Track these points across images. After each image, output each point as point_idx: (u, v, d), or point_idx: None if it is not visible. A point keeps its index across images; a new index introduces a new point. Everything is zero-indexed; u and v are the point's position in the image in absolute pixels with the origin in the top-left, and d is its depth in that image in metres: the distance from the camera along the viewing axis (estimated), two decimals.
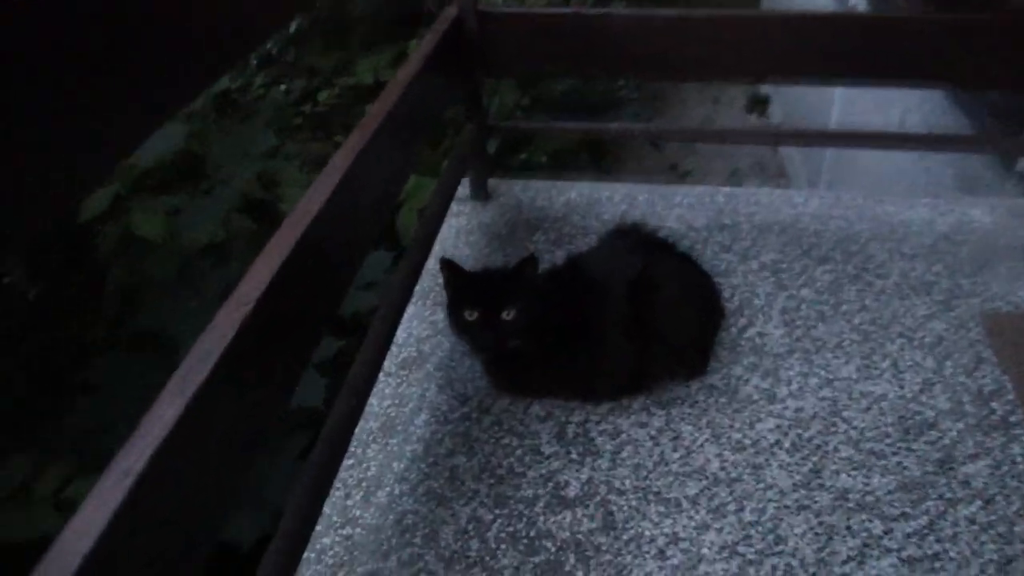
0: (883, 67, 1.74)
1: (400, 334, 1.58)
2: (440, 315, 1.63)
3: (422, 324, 1.61)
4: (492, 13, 1.80)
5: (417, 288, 1.71)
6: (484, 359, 1.41)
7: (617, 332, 1.34)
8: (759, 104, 5.33)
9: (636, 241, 1.46)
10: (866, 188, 3.38)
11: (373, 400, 1.42)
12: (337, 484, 1.26)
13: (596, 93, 3.37)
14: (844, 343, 1.52)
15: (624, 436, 1.33)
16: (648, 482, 1.25)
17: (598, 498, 1.22)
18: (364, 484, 1.27)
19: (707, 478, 1.25)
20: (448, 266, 1.31)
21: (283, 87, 3.07)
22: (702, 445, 1.31)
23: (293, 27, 3.13)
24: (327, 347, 1.68)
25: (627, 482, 1.25)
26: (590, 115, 3.20)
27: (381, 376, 1.47)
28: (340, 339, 1.73)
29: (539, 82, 2.84)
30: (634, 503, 1.21)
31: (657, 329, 1.35)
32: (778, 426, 1.34)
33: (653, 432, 1.34)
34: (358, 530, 1.19)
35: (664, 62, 1.81)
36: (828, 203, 1.98)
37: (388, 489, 1.25)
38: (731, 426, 1.34)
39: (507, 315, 1.27)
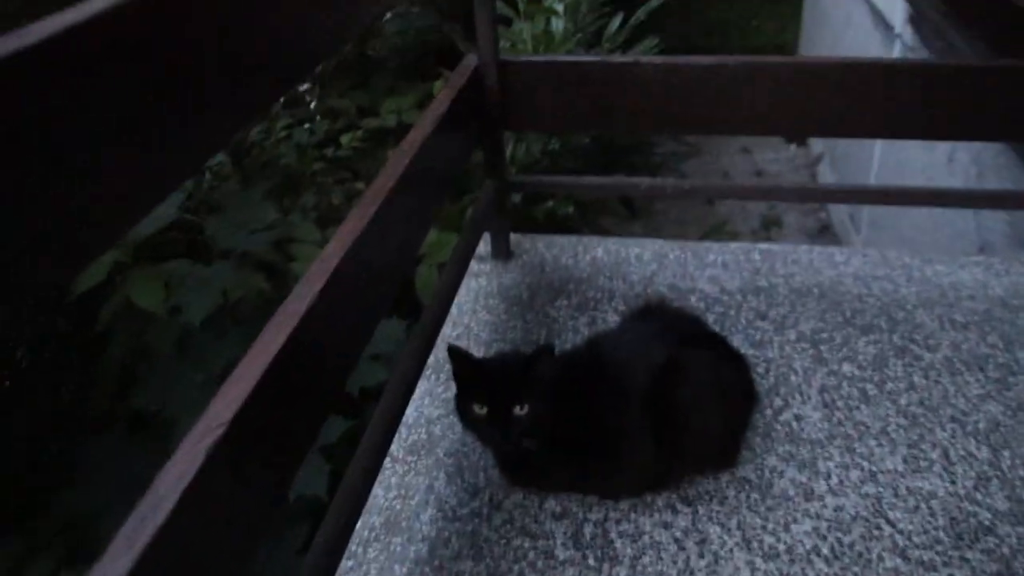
0: (939, 122, 1.62)
1: (410, 413, 1.49)
2: (454, 390, 1.53)
3: (434, 402, 1.52)
4: (513, 63, 1.72)
5: (431, 359, 1.62)
6: (496, 452, 1.32)
7: (639, 426, 1.24)
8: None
9: (662, 322, 1.36)
10: (910, 228, 3.24)
11: (378, 490, 1.33)
12: None
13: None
14: (889, 428, 1.40)
15: (646, 539, 1.22)
16: None
17: None
18: None
19: None
20: (456, 355, 1.22)
21: (307, 126, 3.02)
22: (731, 550, 1.20)
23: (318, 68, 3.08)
24: (331, 428, 1.59)
25: None
26: (621, 156, 3.10)
27: (387, 462, 1.38)
28: (346, 418, 1.64)
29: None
30: None
31: (683, 422, 1.24)
32: (815, 529, 1.22)
33: (678, 534, 1.23)
34: None
35: (697, 116, 1.71)
36: (872, 263, 1.86)
37: None
38: (764, 527, 1.23)
39: (519, 411, 1.18)
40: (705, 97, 1.67)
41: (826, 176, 4.79)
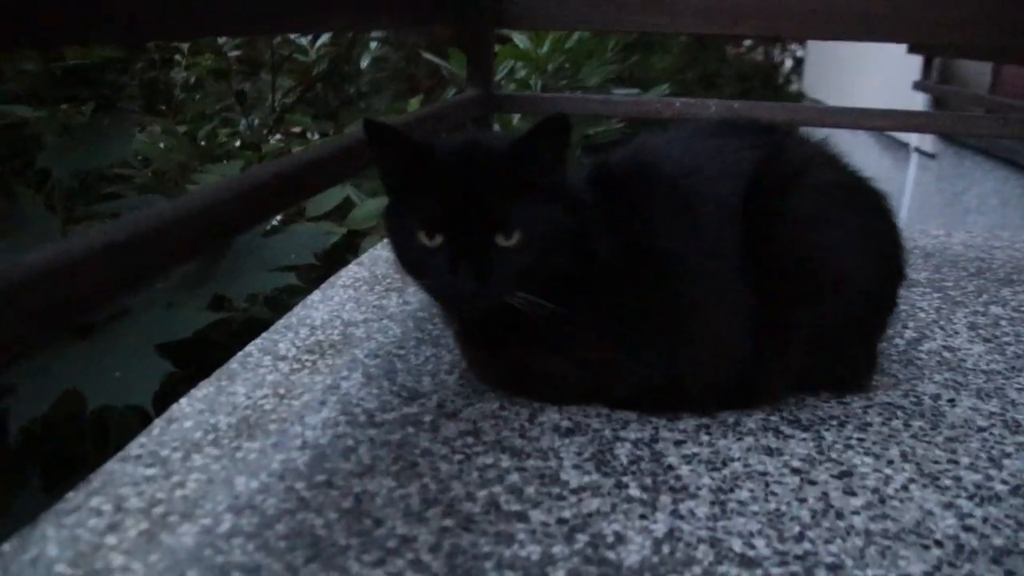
0: None
1: (318, 316, 0.92)
2: (394, 300, 0.97)
3: (360, 308, 0.95)
4: None
5: (364, 274, 1.07)
6: (459, 327, 0.74)
7: (724, 264, 0.68)
8: None
9: (751, 128, 0.81)
10: None
11: (238, 387, 0.74)
12: (98, 503, 0.57)
13: None
14: None
15: (736, 467, 0.64)
16: (809, 544, 0.55)
17: (697, 570, 0.52)
18: (159, 511, 0.57)
19: (938, 542, 0.55)
20: (383, 133, 0.66)
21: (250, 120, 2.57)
22: (906, 488, 0.61)
23: (278, 99, 2.66)
24: (183, 320, 0.98)
25: (759, 542, 0.55)
26: None
27: (266, 361, 0.80)
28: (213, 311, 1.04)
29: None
30: None
31: (797, 271, 0.69)
32: None
33: (796, 463, 0.64)
34: None
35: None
36: (981, 237, 1.37)
37: (206, 521, 0.55)
38: (952, 461, 0.65)
39: (506, 240, 0.63)
40: None
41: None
